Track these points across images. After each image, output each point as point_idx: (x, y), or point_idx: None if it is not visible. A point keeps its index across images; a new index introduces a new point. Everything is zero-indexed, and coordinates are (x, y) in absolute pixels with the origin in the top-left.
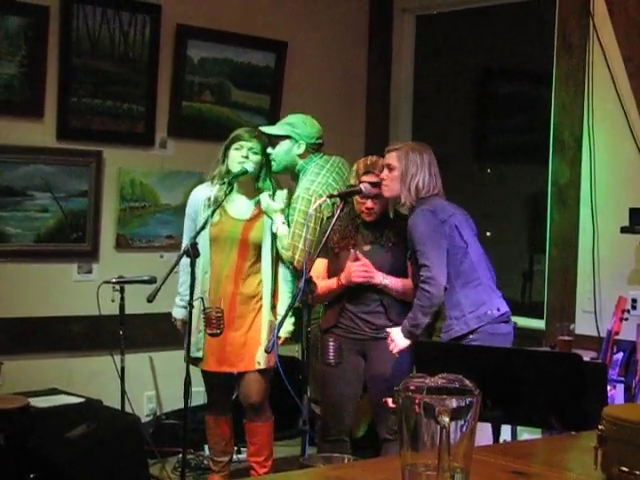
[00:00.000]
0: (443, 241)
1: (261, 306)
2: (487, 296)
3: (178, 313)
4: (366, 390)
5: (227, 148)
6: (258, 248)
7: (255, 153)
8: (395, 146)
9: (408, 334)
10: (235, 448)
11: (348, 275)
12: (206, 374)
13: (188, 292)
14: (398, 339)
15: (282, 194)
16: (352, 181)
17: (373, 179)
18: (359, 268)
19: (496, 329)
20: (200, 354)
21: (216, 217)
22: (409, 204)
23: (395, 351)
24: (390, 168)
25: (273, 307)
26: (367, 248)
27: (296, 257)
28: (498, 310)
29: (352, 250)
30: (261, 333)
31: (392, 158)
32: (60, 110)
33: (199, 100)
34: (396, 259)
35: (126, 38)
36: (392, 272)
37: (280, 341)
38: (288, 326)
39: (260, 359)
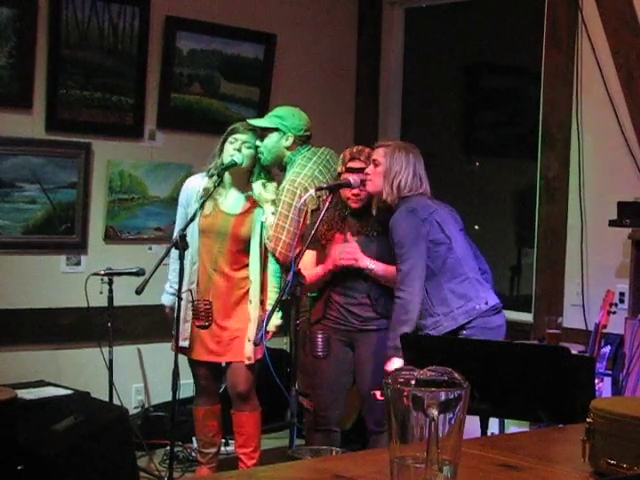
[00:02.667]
0: (422, 243)
1: (250, 300)
2: (474, 290)
3: (167, 300)
4: (355, 382)
5: (224, 141)
6: (247, 242)
7: (249, 147)
8: (384, 142)
9: (395, 351)
10: (223, 440)
11: (335, 258)
12: (194, 364)
13: (177, 280)
14: (391, 365)
15: (272, 186)
16: (339, 169)
17: (358, 165)
18: (346, 249)
19: (488, 322)
20: (186, 343)
21: (208, 209)
22: (390, 201)
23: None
24: (376, 164)
25: (261, 302)
26: (354, 239)
27: (278, 249)
28: (486, 304)
29: (346, 234)
30: (249, 325)
31: (379, 154)
32: (49, 102)
33: (188, 92)
34: (382, 249)
35: (115, 30)
36: (379, 261)
37: (269, 335)
38: (275, 320)
39: (250, 354)
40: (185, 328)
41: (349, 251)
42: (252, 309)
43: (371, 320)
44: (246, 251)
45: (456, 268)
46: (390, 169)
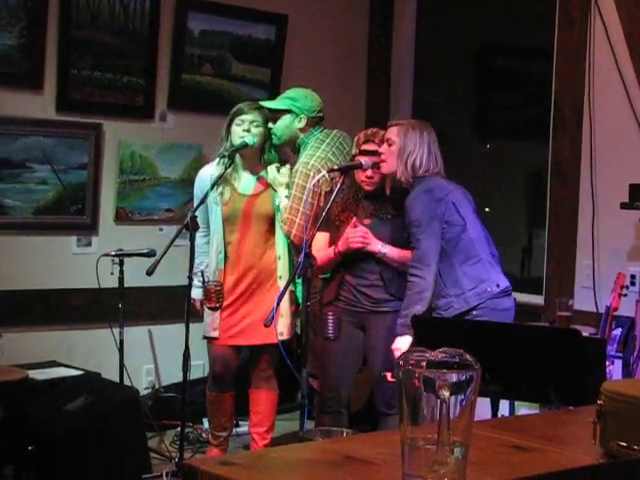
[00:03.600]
0: (437, 224)
1: (279, 276)
2: (486, 272)
3: (197, 294)
4: (366, 363)
5: (229, 124)
6: (271, 221)
7: (257, 126)
8: (397, 121)
9: (406, 328)
10: (234, 422)
11: (345, 241)
12: (215, 351)
13: (205, 271)
14: (401, 344)
15: (286, 169)
16: (353, 151)
17: (372, 147)
18: (357, 234)
19: (498, 304)
20: (216, 334)
21: (226, 195)
22: (404, 180)
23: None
24: (389, 143)
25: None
26: (367, 222)
27: (293, 231)
28: (498, 286)
29: (359, 218)
30: (282, 306)
31: (392, 133)
32: (60, 82)
33: (199, 73)
34: (396, 231)
35: (126, 10)
36: (392, 244)
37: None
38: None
39: (283, 329)
40: (214, 318)
41: (359, 235)
42: (282, 284)
43: (383, 302)
44: (272, 230)
45: (469, 250)
46: (404, 148)
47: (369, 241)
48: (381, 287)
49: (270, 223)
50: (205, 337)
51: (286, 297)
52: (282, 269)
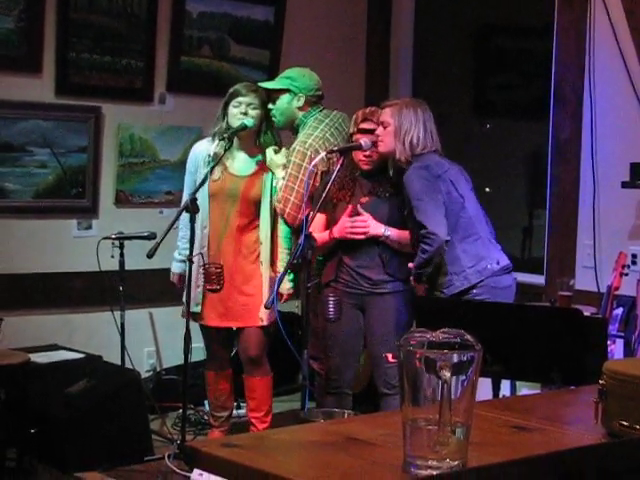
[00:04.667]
0: (439, 195)
1: (261, 262)
2: (486, 250)
3: (176, 268)
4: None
5: (226, 105)
6: (257, 205)
7: (254, 108)
8: (390, 102)
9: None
10: (235, 404)
11: (341, 230)
12: (206, 329)
13: (187, 247)
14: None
15: (284, 151)
16: (351, 129)
17: (371, 126)
18: (355, 224)
19: (498, 282)
20: (198, 309)
21: (217, 174)
22: (404, 159)
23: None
24: (384, 125)
25: (272, 263)
26: (365, 200)
27: (287, 210)
28: (498, 264)
29: (355, 205)
30: (262, 289)
31: (386, 114)
32: (58, 65)
33: (198, 55)
34: (394, 210)
35: None
36: (390, 223)
37: (283, 299)
38: (287, 283)
39: (262, 315)
40: (197, 293)
41: (359, 225)
42: (264, 270)
43: (382, 283)
44: (256, 214)
45: (468, 227)
46: (400, 127)
47: (368, 229)
48: (380, 268)
49: (256, 207)
50: (190, 314)
51: (265, 282)
52: (264, 254)
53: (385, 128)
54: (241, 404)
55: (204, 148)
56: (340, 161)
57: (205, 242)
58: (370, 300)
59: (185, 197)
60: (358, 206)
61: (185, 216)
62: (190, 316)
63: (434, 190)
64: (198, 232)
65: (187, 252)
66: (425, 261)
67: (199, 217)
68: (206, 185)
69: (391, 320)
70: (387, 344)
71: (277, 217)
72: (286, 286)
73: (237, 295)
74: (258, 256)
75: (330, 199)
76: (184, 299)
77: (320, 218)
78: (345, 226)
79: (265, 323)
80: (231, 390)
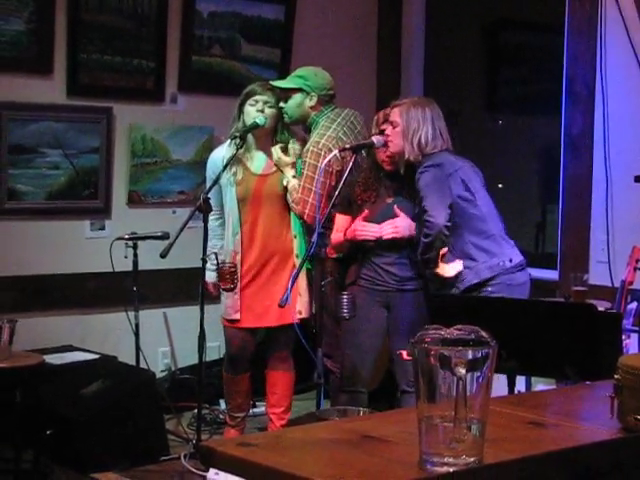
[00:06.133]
0: (447, 191)
1: (296, 255)
2: (498, 247)
3: (210, 277)
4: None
5: (242, 104)
6: (284, 201)
7: (270, 107)
8: (398, 102)
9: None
10: (251, 403)
11: (351, 231)
12: (232, 333)
13: (219, 254)
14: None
15: (295, 147)
16: (373, 130)
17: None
18: (363, 228)
19: (513, 279)
20: (238, 316)
21: (239, 175)
22: (413, 159)
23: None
24: (393, 125)
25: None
26: (390, 200)
27: (306, 211)
28: (510, 261)
29: (375, 208)
30: (299, 284)
31: (395, 114)
32: (69, 66)
33: (209, 54)
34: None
35: None
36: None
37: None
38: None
39: (301, 308)
40: (234, 300)
41: (370, 229)
42: (299, 263)
43: (408, 280)
44: (286, 208)
45: (480, 225)
46: (408, 127)
47: (375, 234)
48: (406, 265)
49: (284, 202)
50: (227, 320)
51: (303, 276)
52: (298, 248)
53: (394, 128)
54: (257, 403)
55: (221, 153)
56: (352, 159)
57: (238, 248)
58: (397, 297)
59: (214, 206)
60: (395, 206)
61: (213, 224)
62: (229, 323)
63: (443, 184)
64: (230, 239)
65: (216, 261)
66: (426, 245)
67: (229, 224)
68: (233, 191)
69: (416, 317)
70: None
71: None
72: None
73: (275, 293)
74: (293, 250)
75: (355, 200)
76: (224, 302)
77: (343, 219)
78: (356, 228)
79: (304, 315)
80: (248, 393)
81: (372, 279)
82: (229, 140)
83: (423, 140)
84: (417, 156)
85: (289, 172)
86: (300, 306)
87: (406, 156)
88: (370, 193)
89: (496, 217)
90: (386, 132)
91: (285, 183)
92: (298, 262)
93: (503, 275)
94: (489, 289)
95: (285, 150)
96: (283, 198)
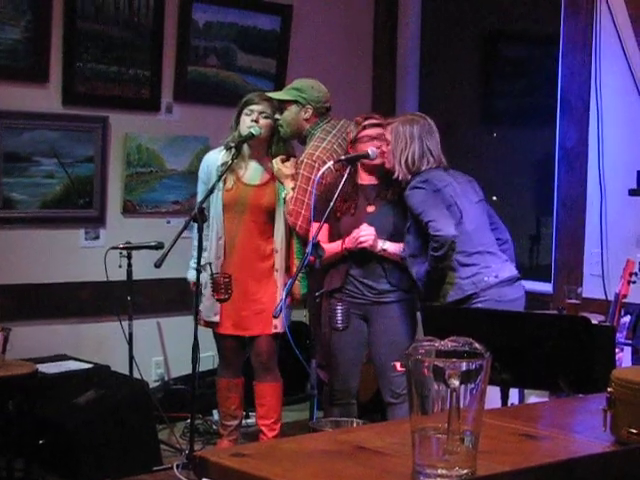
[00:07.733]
0: (440, 204)
1: (276, 270)
2: (484, 262)
3: (192, 276)
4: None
5: (239, 114)
6: (271, 213)
7: (266, 117)
8: (392, 119)
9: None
10: (244, 413)
11: (355, 240)
12: (220, 337)
13: (201, 255)
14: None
15: (292, 161)
16: (354, 133)
17: (374, 121)
18: (365, 233)
19: (503, 295)
20: (217, 318)
21: (229, 183)
22: (402, 178)
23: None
24: (388, 142)
25: (288, 272)
26: (372, 209)
27: (298, 223)
28: (496, 277)
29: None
30: (277, 297)
31: (387, 132)
32: (65, 75)
33: (205, 64)
34: (398, 219)
35: (131, 2)
36: (395, 232)
37: (294, 299)
38: (302, 288)
39: (277, 322)
40: (213, 302)
41: (365, 235)
42: (278, 277)
43: (386, 292)
44: (270, 222)
45: (465, 242)
46: (395, 147)
47: (373, 242)
48: (382, 278)
49: (269, 215)
50: (205, 321)
51: (280, 291)
52: (279, 262)
53: (388, 145)
54: (250, 414)
55: (215, 158)
56: (347, 171)
57: (221, 252)
58: (374, 309)
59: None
60: (365, 224)
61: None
62: (207, 325)
63: (436, 198)
64: (214, 242)
65: (200, 261)
66: (438, 258)
67: (214, 227)
68: (220, 195)
69: (395, 329)
70: (392, 353)
71: None
72: (299, 291)
73: (251, 304)
74: (273, 264)
75: (334, 212)
76: (204, 304)
77: (322, 229)
78: (359, 235)
79: (279, 330)
80: (241, 399)
81: (351, 292)
82: (223, 147)
83: (410, 160)
84: (405, 175)
85: (289, 184)
86: (275, 321)
87: (395, 175)
88: (350, 204)
89: (486, 233)
90: (382, 149)
91: (284, 195)
92: (277, 276)
93: (489, 290)
94: (478, 305)
95: (286, 162)
96: (270, 211)
